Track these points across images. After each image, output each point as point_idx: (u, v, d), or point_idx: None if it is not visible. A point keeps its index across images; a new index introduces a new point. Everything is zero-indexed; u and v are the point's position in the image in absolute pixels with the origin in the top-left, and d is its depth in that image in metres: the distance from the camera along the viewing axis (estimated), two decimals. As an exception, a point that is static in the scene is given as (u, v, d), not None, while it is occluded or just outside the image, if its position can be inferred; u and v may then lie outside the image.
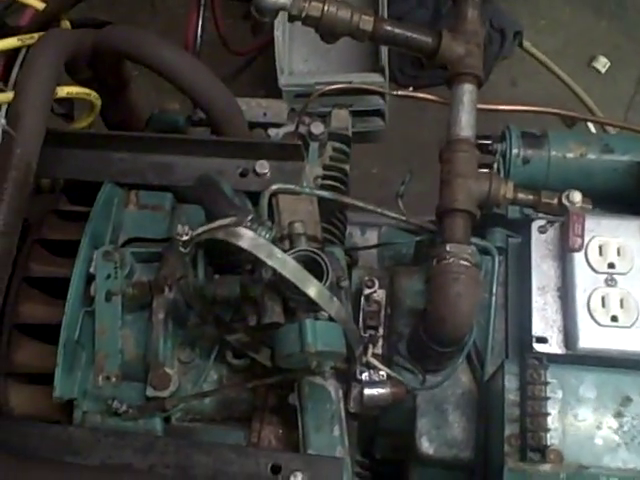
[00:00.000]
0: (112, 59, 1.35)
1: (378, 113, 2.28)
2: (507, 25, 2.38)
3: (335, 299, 1.01)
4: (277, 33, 2.18)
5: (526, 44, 2.44)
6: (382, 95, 2.23)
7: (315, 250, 1.02)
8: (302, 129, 1.36)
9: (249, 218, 1.00)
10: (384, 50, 2.21)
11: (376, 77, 2.19)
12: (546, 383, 0.95)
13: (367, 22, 1.23)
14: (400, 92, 1.37)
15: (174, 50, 1.32)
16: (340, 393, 1.12)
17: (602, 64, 2.41)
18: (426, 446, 1.09)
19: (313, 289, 0.99)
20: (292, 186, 1.18)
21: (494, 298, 1.13)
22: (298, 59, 2.33)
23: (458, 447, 1.08)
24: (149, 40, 1.29)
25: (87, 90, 1.29)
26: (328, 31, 1.26)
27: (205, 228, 1.02)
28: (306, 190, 1.18)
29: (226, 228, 1.00)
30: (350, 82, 2.04)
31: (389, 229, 1.55)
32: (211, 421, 1.19)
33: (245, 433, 1.17)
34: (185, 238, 1.03)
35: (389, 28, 1.23)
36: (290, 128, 1.38)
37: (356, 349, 1.07)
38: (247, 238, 0.99)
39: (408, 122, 2.31)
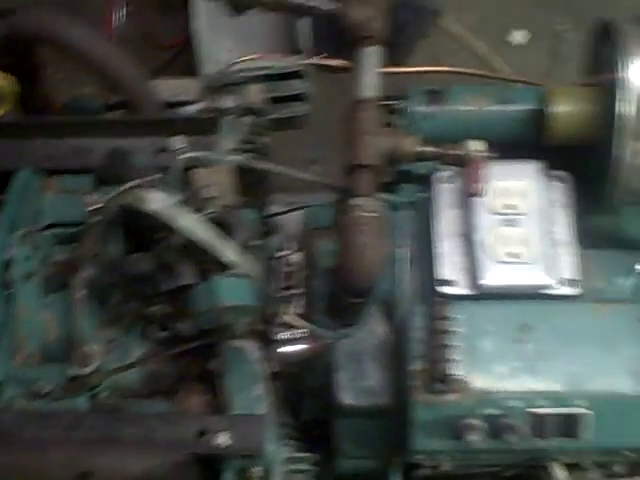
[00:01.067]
0: (26, 43, 1.36)
1: (301, 97, 2.31)
2: (425, 4, 2.43)
3: (246, 257, 1.03)
4: (197, 24, 2.20)
5: (445, 22, 2.49)
6: (305, 78, 2.25)
7: (224, 210, 1.05)
8: (215, 104, 1.37)
9: (156, 180, 1.02)
10: (306, 35, 2.24)
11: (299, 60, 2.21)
12: (449, 318, 0.99)
13: (268, -8, 1.26)
14: (313, 60, 1.40)
15: (86, 31, 1.33)
16: (260, 354, 1.14)
17: (520, 37, 2.48)
18: (346, 397, 1.12)
19: (223, 248, 1.01)
20: (203, 153, 1.19)
21: (403, 250, 1.16)
22: (222, 49, 2.34)
23: (376, 395, 1.12)
24: (60, 22, 1.30)
25: (3, 74, 1.30)
26: (236, 3, 1.30)
27: (113, 194, 1.03)
28: (216, 157, 1.20)
29: (134, 193, 1.01)
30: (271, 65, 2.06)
31: (314, 207, 1.58)
32: (138, 396, 1.20)
33: (172, 404, 1.18)
34: (95, 207, 1.05)
35: (285, -4, 1.26)
36: (204, 104, 1.41)
37: (271, 307, 1.10)
38: (155, 201, 1.01)
39: (332, 106, 2.33)
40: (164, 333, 1.18)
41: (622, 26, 1.08)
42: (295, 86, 2.30)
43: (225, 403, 1.12)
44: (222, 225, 1.04)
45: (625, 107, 1.04)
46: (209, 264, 1.03)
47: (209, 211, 1.04)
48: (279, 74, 2.14)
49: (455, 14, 2.53)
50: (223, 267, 1.02)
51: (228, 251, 1.01)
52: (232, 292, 1.01)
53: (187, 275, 1.03)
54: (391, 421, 1.10)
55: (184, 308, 1.13)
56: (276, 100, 2.12)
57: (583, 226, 1.15)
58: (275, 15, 2.03)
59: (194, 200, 1.07)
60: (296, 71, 2.23)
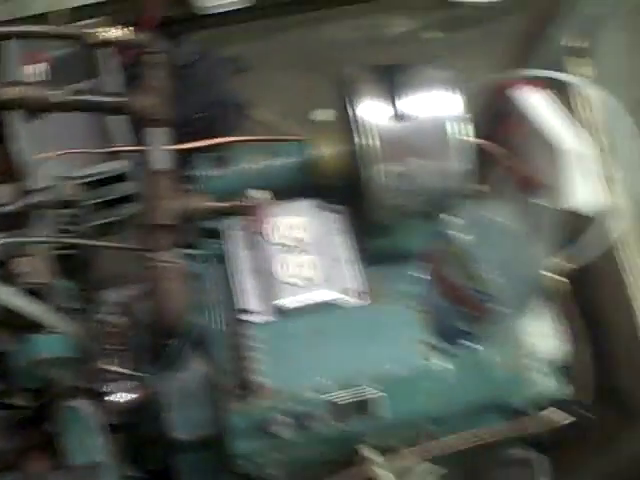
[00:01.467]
0: None
1: (130, 199, 2.42)
2: (233, 99, 2.64)
3: (61, 317, 1.14)
4: (18, 145, 2.30)
5: (255, 113, 2.71)
6: (130, 178, 2.39)
7: (36, 282, 1.16)
8: (27, 202, 1.50)
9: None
10: (123, 130, 2.37)
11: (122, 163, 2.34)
12: (249, 335, 1.15)
13: (57, 96, 1.41)
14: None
15: None
16: (93, 408, 1.24)
17: (325, 116, 2.74)
18: (179, 433, 1.23)
19: (38, 311, 1.12)
20: (15, 239, 1.31)
21: (213, 295, 1.31)
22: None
23: (207, 425, 1.23)
24: None
25: None
26: (28, 108, 1.44)
27: None
28: (28, 240, 1.32)
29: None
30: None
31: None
32: (-13, 477, 1.27)
33: (21, 476, 1.25)
34: None
35: (74, 97, 1.41)
36: (20, 203, 1.52)
37: (95, 361, 1.21)
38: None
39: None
40: (6, 412, 1.27)
41: (352, 74, 1.30)
42: (121, 188, 2.43)
43: (66, 460, 1.21)
44: (36, 293, 1.15)
45: (363, 138, 1.24)
46: (27, 328, 1.14)
47: (23, 282, 1.16)
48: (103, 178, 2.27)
49: (265, 103, 2.77)
50: (40, 328, 1.13)
51: (43, 314, 1.12)
52: (48, 346, 1.12)
53: (4, 342, 1.14)
54: (223, 447, 1.21)
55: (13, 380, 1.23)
56: (105, 204, 2.24)
57: (365, 249, 1.34)
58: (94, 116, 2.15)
59: (6, 276, 1.19)
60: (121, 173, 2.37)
